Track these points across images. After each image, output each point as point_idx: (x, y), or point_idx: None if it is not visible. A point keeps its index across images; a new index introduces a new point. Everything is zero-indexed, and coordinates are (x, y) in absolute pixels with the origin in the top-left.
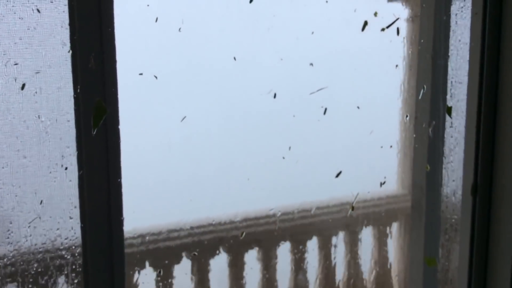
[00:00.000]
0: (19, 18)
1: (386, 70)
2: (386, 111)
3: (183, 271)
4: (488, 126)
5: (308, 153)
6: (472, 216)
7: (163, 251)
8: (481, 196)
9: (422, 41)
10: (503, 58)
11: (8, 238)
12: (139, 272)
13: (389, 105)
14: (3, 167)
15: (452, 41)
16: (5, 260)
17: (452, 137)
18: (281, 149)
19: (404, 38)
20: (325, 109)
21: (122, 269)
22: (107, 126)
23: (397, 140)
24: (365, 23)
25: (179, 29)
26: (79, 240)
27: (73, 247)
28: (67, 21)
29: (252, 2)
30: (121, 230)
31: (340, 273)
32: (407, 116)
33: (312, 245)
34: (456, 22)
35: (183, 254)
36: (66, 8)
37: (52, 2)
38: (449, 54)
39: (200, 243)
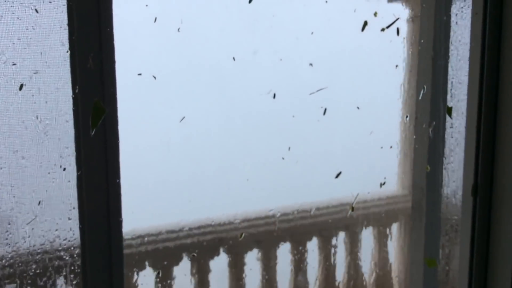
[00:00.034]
0: (18, 18)
1: (386, 70)
2: (386, 112)
3: (182, 272)
4: (488, 126)
5: (308, 154)
6: (473, 217)
7: (163, 252)
8: (481, 197)
9: (422, 41)
10: (503, 58)
11: (6, 239)
12: (138, 273)
13: (389, 105)
14: (1, 168)
15: (452, 41)
16: (3, 261)
17: (452, 137)
18: (281, 149)
19: (404, 38)
20: (325, 110)
21: (121, 270)
22: (106, 126)
23: (397, 141)
24: (365, 23)
25: (178, 29)
26: (77, 241)
27: (72, 248)
28: (65, 21)
29: (252, 2)
30: (120, 231)
31: (340, 274)
32: (407, 116)
33: (312, 246)
34: (456, 22)
35: (183, 255)
36: (64, 8)
37: (50, 2)
38: (449, 54)
39: (199, 244)
